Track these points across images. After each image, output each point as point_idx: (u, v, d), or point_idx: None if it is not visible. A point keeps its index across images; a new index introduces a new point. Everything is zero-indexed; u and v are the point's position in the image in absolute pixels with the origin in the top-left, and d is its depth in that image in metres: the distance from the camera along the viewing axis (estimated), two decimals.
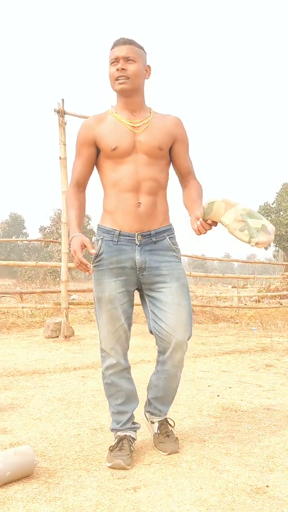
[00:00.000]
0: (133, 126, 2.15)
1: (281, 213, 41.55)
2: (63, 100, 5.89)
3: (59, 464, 2.15)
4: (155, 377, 2.32)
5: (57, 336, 5.94)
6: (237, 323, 8.44)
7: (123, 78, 2.11)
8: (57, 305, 7.24)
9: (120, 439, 2.21)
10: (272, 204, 43.14)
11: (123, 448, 2.16)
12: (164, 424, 2.34)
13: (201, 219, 2.03)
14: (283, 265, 15.78)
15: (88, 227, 42.81)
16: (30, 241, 11.89)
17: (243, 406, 3.09)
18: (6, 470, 1.91)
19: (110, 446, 2.19)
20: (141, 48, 2.17)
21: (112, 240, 2.15)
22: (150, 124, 2.17)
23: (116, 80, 2.12)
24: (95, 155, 2.20)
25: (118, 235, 2.15)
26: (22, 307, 7.56)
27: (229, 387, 3.57)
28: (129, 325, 2.23)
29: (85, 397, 3.25)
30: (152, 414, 2.37)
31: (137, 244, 2.15)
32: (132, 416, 2.29)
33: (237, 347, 5.51)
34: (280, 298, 13.64)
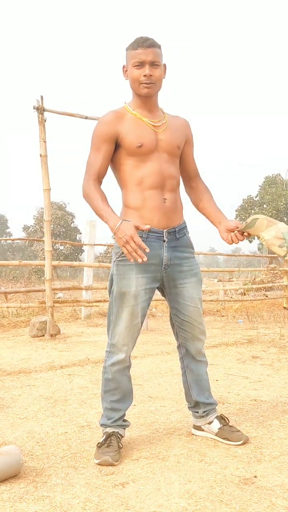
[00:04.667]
0: (154, 125, 2.19)
1: (264, 206, 41.80)
2: (42, 97, 5.82)
3: (46, 463, 2.13)
4: (187, 375, 2.41)
5: (43, 335, 5.90)
6: (223, 316, 8.47)
7: (150, 83, 2.14)
8: (42, 303, 7.19)
9: (108, 436, 2.20)
10: (256, 197, 43.38)
11: (111, 444, 2.15)
12: (222, 417, 2.39)
13: (236, 232, 2.22)
14: (267, 257, 15.90)
15: (72, 225, 42.57)
16: (14, 240, 11.79)
17: (230, 398, 3.10)
18: None
19: (98, 443, 2.19)
20: (160, 47, 2.17)
21: (142, 236, 2.15)
22: (168, 124, 2.23)
23: (141, 84, 2.14)
24: (113, 151, 2.18)
25: (148, 232, 2.15)
26: (7, 307, 7.48)
27: (216, 380, 3.57)
28: (142, 323, 2.25)
29: (72, 395, 3.23)
30: (207, 413, 2.39)
31: (164, 241, 2.19)
32: (124, 414, 2.29)
33: (223, 340, 5.53)
34: (266, 290, 13.74)
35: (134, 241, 1.96)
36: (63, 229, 40.32)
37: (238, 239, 2.24)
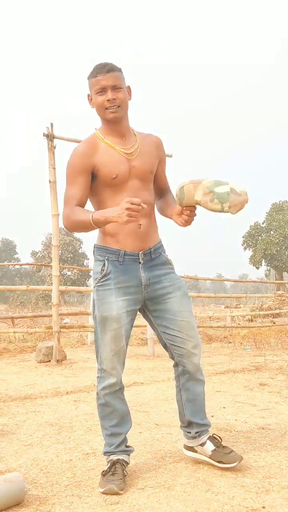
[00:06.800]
0: (126, 153, 2.20)
1: (272, 232, 41.83)
2: (52, 124, 5.93)
3: (50, 491, 2.09)
4: (181, 393, 2.38)
5: (49, 361, 5.87)
6: (230, 342, 8.40)
7: (115, 107, 2.16)
8: (49, 329, 7.18)
9: (113, 463, 2.17)
10: (262, 223, 43.45)
11: (116, 472, 2.12)
12: (215, 438, 2.36)
13: (184, 211, 2.15)
14: (274, 283, 15.84)
15: (80, 251, 42.79)
16: (22, 265, 11.85)
17: (238, 426, 3.05)
18: None
19: (103, 471, 2.15)
20: (121, 70, 2.21)
21: (118, 260, 2.20)
22: (140, 149, 2.24)
23: (107, 109, 2.16)
24: (90, 182, 2.20)
25: (124, 255, 2.20)
26: (14, 332, 7.48)
27: (223, 407, 3.52)
28: (127, 345, 2.26)
29: (77, 422, 3.20)
30: (199, 434, 2.36)
31: (140, 263, 2.23)
32: (125, 439, 2.26)
33: (230, 367, 5.47)
34: (273, 317, 13.63)
35: (132, 204, 1.93)
36: (71, 255, 40.49)
37: (187, 215, 2.15)
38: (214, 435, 2.37)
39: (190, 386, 2.35)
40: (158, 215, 2.40)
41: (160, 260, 2.30)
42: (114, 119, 2.18)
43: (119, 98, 2.16)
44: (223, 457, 2.26)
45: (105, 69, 2.14)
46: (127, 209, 1.94)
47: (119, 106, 2.16)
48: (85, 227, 2.11)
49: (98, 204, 2.25)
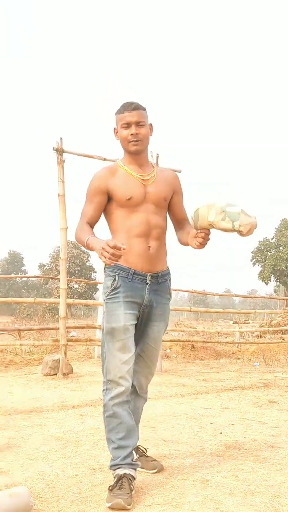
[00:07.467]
0: (142, 179, 2.38)
1: (281, 248, 41.70)
2: (61, 138, 5.97)
3: (56, 506, 2.06)
4: None
5: (56, 374, 5.84)
6: (239, 358, 8.32)
7: (137, 141, 2.36)
8: (55, 342, 7.15)
9: (120, 478, 2.14)
10: (272, 239, 43.36)
11: (123, 487, 2.10)
12: (139, 448, 2.55)
13: (198, 234, 2.25)
14: (284, 299, 15.73)
15: (87, 264, 42.90)
16: (29, 277, 11.87)
17: (247, 443, 3.00)
18: None
19: (110, 486, 2.12)
20: (145, 109, 2.40)
21: (127, 277, 2.32)
22: (156, 177, 2.43)
23: (130, 142, 2.36)
24: (106, 203, 2.39)
25: (133, 274, 2.32)
26: (20, 344, 7.45)
27: (232, 424, 3.48)
28: (134, 357, 2.33)
29: (83, 436, 3.16)
30: None
31: (147, 284, 2.34)
32: (132, 453, 2.26)
33: (239, 383, 5.41)
34: (282, 333, 13.51)
35: (108, 245, 2.01)
36: (78, 268, 40.59)
37: (202, 237, 2.25)
38: (139, 446, 2.54)
39: (132, 398, 2.44)
40: (172, 244, 2.53)
41: (164, 288, 2.43)
42: (136, 152, 2.37)
43: (141, 133, 2.36)
44: (145, 464, 2.49)
45: (132, 107, 2.35)
46: (103, 248, 2.05)
47: (141, 140, 2.36)
48: (83, 245, 2.30)
49: (112, 223, 2.40)
